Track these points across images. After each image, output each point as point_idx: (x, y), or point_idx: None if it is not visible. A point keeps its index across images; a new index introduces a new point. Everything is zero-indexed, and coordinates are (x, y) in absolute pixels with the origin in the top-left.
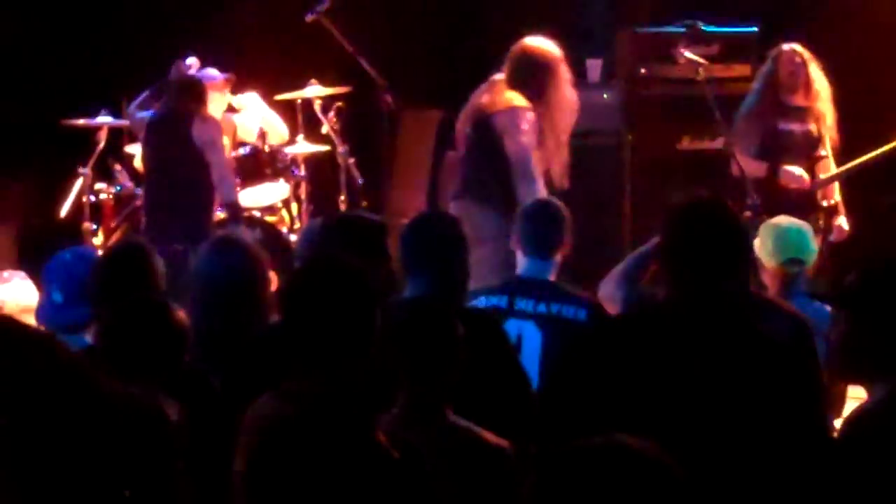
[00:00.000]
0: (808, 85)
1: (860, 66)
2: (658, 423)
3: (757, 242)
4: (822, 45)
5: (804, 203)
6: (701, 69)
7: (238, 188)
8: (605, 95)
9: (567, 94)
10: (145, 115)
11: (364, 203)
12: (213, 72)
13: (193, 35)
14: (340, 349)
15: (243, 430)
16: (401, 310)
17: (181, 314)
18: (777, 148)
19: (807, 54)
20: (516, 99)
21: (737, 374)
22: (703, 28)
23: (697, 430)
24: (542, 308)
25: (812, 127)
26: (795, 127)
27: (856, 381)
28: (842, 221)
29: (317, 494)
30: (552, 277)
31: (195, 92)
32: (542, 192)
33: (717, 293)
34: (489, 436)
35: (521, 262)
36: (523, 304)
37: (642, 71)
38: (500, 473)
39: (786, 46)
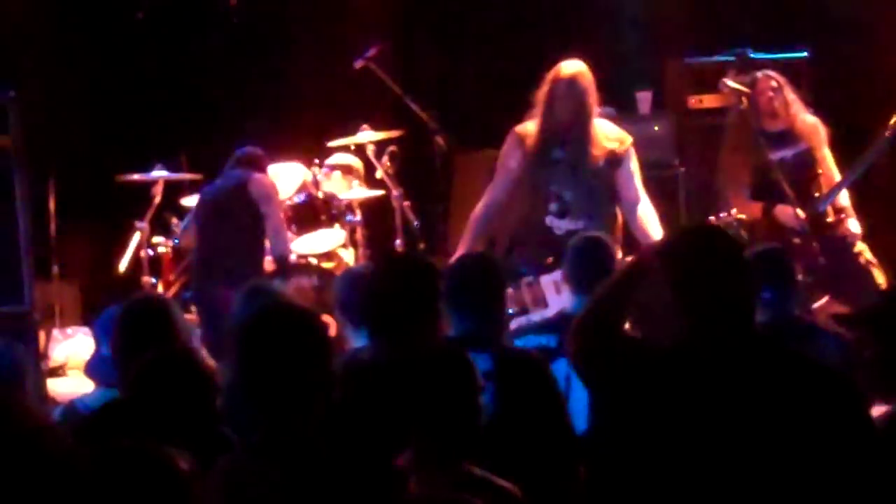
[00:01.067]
0: (786, 108)
1: None
2: (708, 462)
3: None
4: (874, 65)
5: (815, 226)
6: (744, 97)
7: (293, 236)
8: (655, 127)
9: None
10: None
11: (421, 245)
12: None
13: (245, 83)
14: (298, 397)
15: (206, 488)
16: (415, 361)
17: (208, 362)
18: (773, 179)
19: (781, 79)
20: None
21: (792, 403)
22: (751, 55)
23: (756, 469)
24: None
25: (803, 147)
26: (786, 153)
27: (885, 400)
28: (851, 224)
29: None
30: None
31: (253, 159)
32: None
33: (751, 325)
34: (499, 481)
35: (571, 300)
36: None
37: (691, 101)
38: None
39: (759, 74)
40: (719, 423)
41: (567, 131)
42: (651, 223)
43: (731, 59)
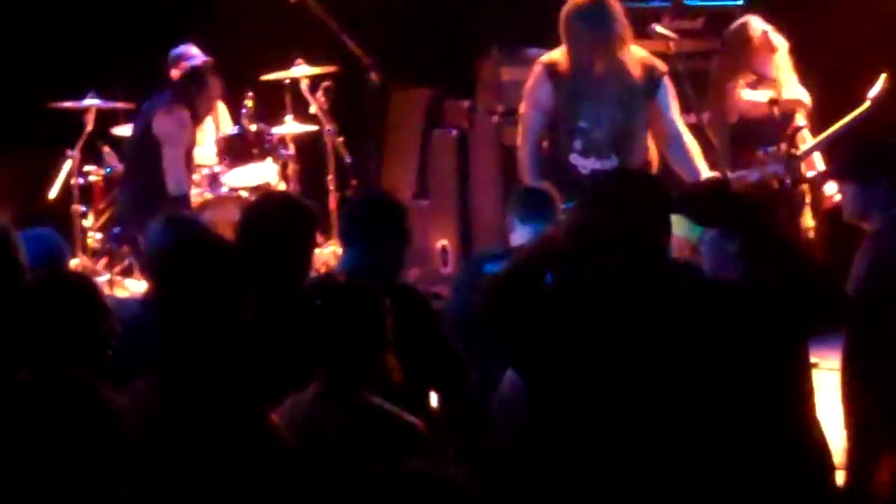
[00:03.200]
0: (773, 56)
1: (842, 34)
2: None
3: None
4: (803, 14)
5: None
6: (671, 43)
7: (225, 168)
8: None
9: None
10: None
11: (353, 182)
12: (194, 51)
13: (178, 14)
14: (214, 325)
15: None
16: (320, 287)
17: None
18: (752, 122)
19: (769, 26)
20: None
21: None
22: (686, 1)
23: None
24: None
25: (788, 96)
26: (771, 97)
27: None
28: (829, 188)
29: (201, 478)
30: None
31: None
32: None
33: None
34: (403, 415)
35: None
36: None
37: None
38: (409, 451)
39: (751, 18)
40: (628, 347)
41: (598, 61)
42: (696, 157)
43: (667, 4)
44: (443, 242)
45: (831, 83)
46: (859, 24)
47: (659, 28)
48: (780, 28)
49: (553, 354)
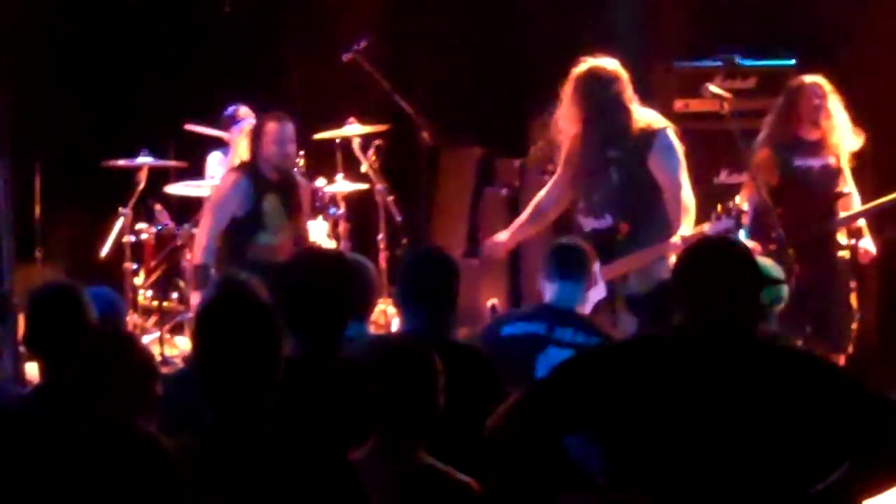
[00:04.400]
0: (827, 119)
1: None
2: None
3: None
4: (856, 77)
5: (825, 240)
6: (725, 103)
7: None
8: None
9: None
10: None
11: (404, 241)
12: (243, 112)
13: (234, 75)
14: (249, 380)
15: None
16: (381, 347)
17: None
18: (795, 185)
19: (828, 87)
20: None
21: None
22: (739, 61)
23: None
24: (580, 338)
25: (832, 161)
26: (814, 162)
27: None
28: (866, 243)
29: None
30: (579, 305)
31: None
32: None
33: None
34: (458, 475)
35: (551, 290)
36: (562, 333)
37: (677, 105)
38: None
39: (808, 79)
40: (714, 414)
41: (597, 128)
42: (682, 214)
43: (719, 64)
44: (493, 301)
45: (889, 143)
46: None
47: (712, 87)
48: (838, 88)
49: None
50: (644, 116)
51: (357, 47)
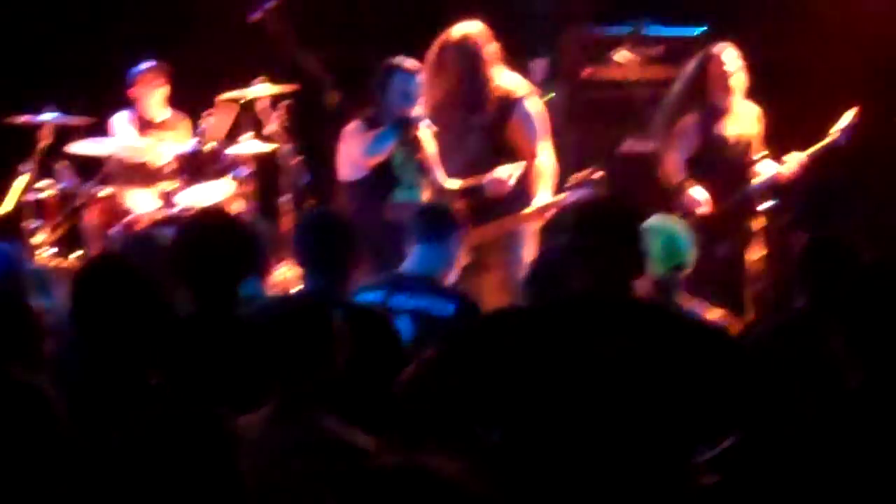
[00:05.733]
0: (737, 87)
1: (802, 67)
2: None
3: None
4: (765, 46)
5: (741, 208)
6: (630, 71)
7: (183, 186)
8: (547, 96)
9: None
10: None
11: (310, 201)
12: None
13: (138, 31)
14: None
15: None
16: (279, 307)
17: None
18: (714, 152)
19: (737, 55)
20: None
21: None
22: (647, 29)
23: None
24: (412, 303)
25: (744, 129)
26: (728, 131)
27: None
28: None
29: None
30: (442, 270)
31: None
32: None
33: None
34: (357, 437)
35: (410, 254)
36: (398, 300)
37: (585, 72)
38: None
39: (717, 47)
40: (594, 383)
41: (461, 97)
42: (537, 182)
43: (627, 31)
44: None
45: (796, 112)
46: (829, 52)
47: (619, 55)
48: (744, 56)
49: (522, 378)
50: (507, 83)
51: (266, 6)
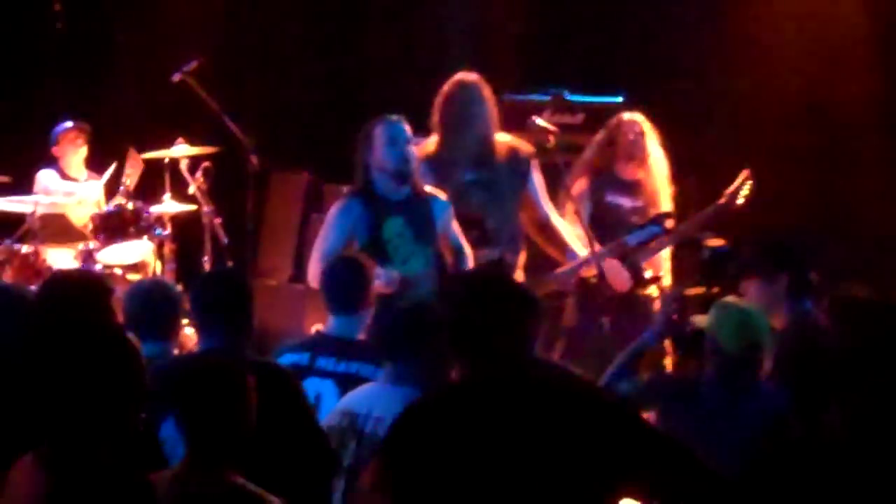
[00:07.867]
0: (643, 158)
1: (722, 137)
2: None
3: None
4: (684, 115)
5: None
6: (551, 136)
7: (100, 246)
8: None
9: None
10: None
11: (229, 264)
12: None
13: (60, 89)
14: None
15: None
16: (186, 365)
17: None
18: (605, 221)
19: (646, 125)
20: None
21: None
22: (567, 96)
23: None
24: (342, 367)
25: (643, 203)
26: (625, 202)
27: None
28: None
29: None
30: (360, 334)
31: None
32: None
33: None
34: (268, 496)
35: (328, 321)
36: (324, 363)
37: None
38: None
39: (626, 116)
40: (501, 461)
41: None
42: (571, 235)
43: (547, 98)
44: (318, 327)
45: (709, 179)
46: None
47: (539, 121)
48: (659, 126)
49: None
50: (513, 140)
51: (186, 68)
